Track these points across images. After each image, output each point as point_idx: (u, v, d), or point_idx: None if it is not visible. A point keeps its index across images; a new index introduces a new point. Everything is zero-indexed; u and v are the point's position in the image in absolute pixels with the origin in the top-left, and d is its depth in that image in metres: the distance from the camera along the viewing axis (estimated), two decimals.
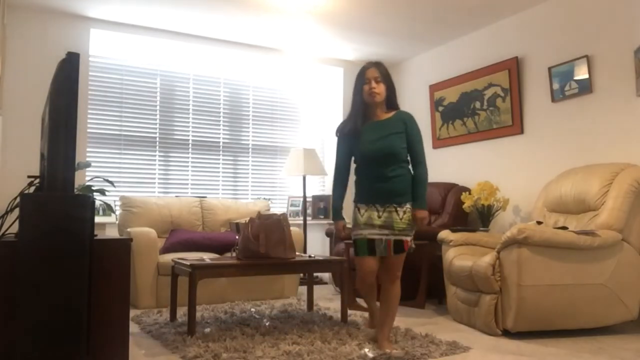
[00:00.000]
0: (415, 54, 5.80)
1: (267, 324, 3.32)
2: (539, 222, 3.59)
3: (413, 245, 2.79)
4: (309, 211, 5.82)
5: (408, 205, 2.74)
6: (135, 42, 5.10)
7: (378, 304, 2.98)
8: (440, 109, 5.41)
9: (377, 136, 2.75)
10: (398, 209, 2.73)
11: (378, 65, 2.80)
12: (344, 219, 2.93)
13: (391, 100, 2.85)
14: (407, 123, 2.80)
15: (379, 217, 2.74)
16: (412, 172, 2.82)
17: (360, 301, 4.21)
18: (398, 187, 2.74)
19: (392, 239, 2.72)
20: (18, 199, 1.76)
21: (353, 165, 2.92)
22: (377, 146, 2.74)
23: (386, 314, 2.83)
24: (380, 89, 2.77)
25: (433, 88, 5.49)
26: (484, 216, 4.38)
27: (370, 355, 2.63)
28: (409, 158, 2.82)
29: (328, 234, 5.26)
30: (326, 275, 5.65)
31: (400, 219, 2.72)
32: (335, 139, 2.98)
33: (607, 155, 3.87)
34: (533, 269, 3.06)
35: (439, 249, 3.89)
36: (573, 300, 3.10)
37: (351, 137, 2.82)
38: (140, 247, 3.98)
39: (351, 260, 3.05)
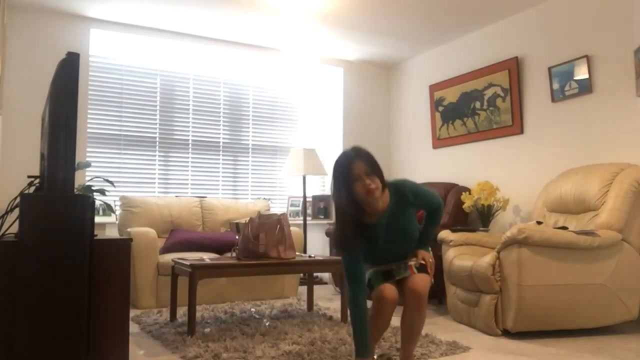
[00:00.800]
0: (415, 54, 5.80)
1: (267, 324, 3.33)
2: (539, 222, 3.59)
3: (432, 280, 2.46)
4: (309, 211, 5.82)
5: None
6: (135, 42, 5.10)
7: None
8: (440, 109, 5.41)
9: (391, 238, 2.37)
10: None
11: (359, 154, 2.27)
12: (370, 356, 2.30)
13: (384, 185, 2.32)
14: (410, 196, 2.37)
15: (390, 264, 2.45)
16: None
17: None
18: (407, 253, 2.46)
19: (412, 264, 2.39)
20: (18, 199, 1.76)
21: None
22: (395, 247, 2.41)
23: (408, 339, 2.40)
24: (376, 182, 2.24)
25: (433, 88, 5.49)
26: (484, 216, 4.38)
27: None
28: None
29: (328, 234, 5.26)
30: (326, 275, 5.65)
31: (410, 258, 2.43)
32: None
33: (607, 155, 3.87)
34: (533, 269, 3.06)
35: (439, 249, 3.89)
36: (573, 300, 3.10)
37: (358, 244, 2.30)
38: (140, 247, 3.98)
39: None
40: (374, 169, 2.26)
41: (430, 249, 2.51)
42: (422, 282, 2.33)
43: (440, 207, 2.47)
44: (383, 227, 2.34)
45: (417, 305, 2.31)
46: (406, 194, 2.36)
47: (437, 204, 2.45)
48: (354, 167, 2.23)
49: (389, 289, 2.31)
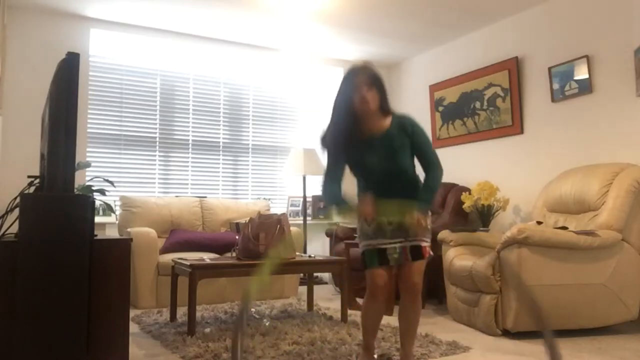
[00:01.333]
0: (415, 54, 5.80)
1: (267, 324, 3.32)
2: (539, 222, 3.59)
3: (432, 253, 2.46)
4: (309, 211, 5.82)
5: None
6: (135, 42, 5.10)
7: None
8: (440, 109, 5.41)
9: (381, 157, 2.37)
10: (417, 215, 2.31)
11: (366, 68, 2.39)
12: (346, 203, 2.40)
13: (384, 105, 2.41)
14: (410, 128, 2.40)
15: (390, 223, 2.36)
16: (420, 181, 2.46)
17: (361, 301, 4.21)
18: (408, 195, 2.37)
19: (408, 245, 2.36)
20: (18, 199, 1.76)
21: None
22: (382, 167, 2.37)
23: (406, 334, 2.45)
24: (372, 95, 2.33)
25: (433, 88, 5.49)
26: (484, 216, 4.38)
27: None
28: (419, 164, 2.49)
29: (328, 234, 5.26)
30: (326, 275, 5.65)
31: (413, 223, 2.33)
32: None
33: (607, 155, 3.87)
34: (533, 269, 3.06)
35: (439, 249, 3.89)
36: (573, 300, 3.10)
37: (347, 148, 2.39)
38: (140, 247, 3.98)
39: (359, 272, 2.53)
40: (377, 85, 2.37)
41: (429, 212, 2.45)
42: (415, 274, 2.40)
43: (437, 166, 2.41)
44: (374, 147, 2.37)
45: (411, 297, 2.42)
46: (406, 125, 2.41)
47: (434, 159, 2.41)
48: (356, 77, 2.34)
49: (381, 277, 2.37)
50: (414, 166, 2.45)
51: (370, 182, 2.42)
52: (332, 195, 2.39)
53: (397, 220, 2.35)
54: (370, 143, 2.38)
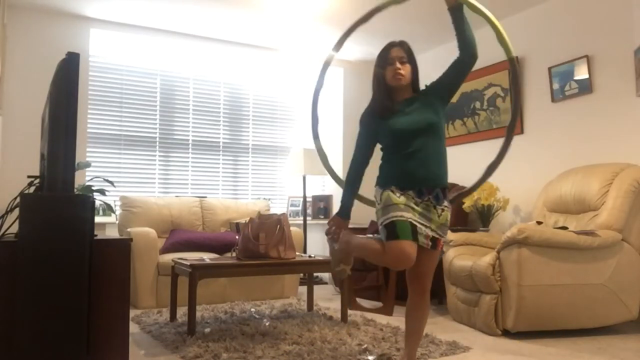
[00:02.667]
0: (415, 54, 5.78)
1: (267, 324, 3.32)
2: (539, 222, 3.59)
3: (444, 250, 2.46)
4: (309, 211, 5.82)
5: (446, 203, 2.34)
6: (135, 42, 5.10)
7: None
8: None
9: (411, 109, 2.37)
10: (437, 206, 2.29)
11: (402, 44, 2.46)
12: (350, 219, 2.50)
13: (415, 82, 2.49)
14: (430, 89, 2.50)
15: (417, 204, 2.26)
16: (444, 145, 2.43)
17: (361, 301, 4.21)
18: (435, 171, 2.32)
19: (430, 234, 2.27)
20: (18, 199, 1.76)
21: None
22: (413, 119, 2.33)
23: (412, 332, 2.42)
24: (406, 70, 2.40)
25: None
26: (484, 216, 4.37)
27: (371, 358, 2.62)
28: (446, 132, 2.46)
29: (328, 233, 5.26)
30: (326, 275, 5.65)
31: (438, 217, 2.29)
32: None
33: (607, 155, 3.87)
34: (533, 269, 3.06)
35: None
36: (573, 300, 3.10)
37: (379, 119, 2.38)
38: (140, 247, 3.98)
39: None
40: (411, 60, 2.45)
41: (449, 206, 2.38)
42: (432, 262, 2.36)
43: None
44: (405, 103, 2.40)
45: (422, 289, 2.41)
46: (427, 87, 2.50)
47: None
48: (393, 51, 2.42)
49: (414, 251, 2.20)
50: (444, 130, 2.44)
51: (399, 139, 2.33)
52: (347, 196, 2.47)
53: (424, 207, 2.27)
54: (403, 103, 2.40)
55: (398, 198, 2.25)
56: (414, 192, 2.27)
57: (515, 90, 2.84)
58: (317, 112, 2.95)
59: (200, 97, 5.53)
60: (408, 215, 2.21)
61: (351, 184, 2.45)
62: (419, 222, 2.23)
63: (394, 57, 2.40)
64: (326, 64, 2.74)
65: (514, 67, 2.66)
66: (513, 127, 2.60)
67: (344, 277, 2.58)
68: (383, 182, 2.34)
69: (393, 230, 2.19)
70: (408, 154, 2.30)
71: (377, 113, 2.40)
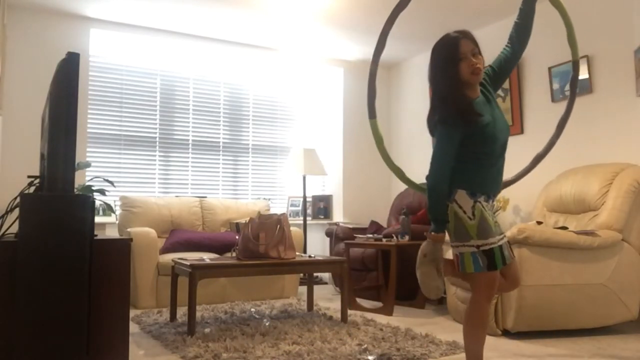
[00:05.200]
0: (415, 54, 5.80)
1: (267, 324, 3.32)
2: (539, 222, 3.59)
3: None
4: (309, 211, 5.82)
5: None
6: (135, 42, 5.10)
7: None
8: None
9: (496, 114, 2.18)
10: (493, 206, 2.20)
11: (466, 34, 2.17)
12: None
13: None
14: (487, 78, 2.28)
15: (492, 215, 2.16)
16: None
17: (361, 301, 4.21)
18: (502, 176, 2.23)
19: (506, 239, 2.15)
20: (18, 199, 1.76)
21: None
22: (504, 125, 2.18)
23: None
24: (482, 62, 2.15)
25: None
26: None
27: (371, 358, 2.63)
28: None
29: (328, 234, 5.26)
30: (326, 275, 5.65)
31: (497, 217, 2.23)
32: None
33: (607, 155, 3.87)
34: (533, 269, 3.06)
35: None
36: (573, 300, 3.10)
37: (464, 123, 2.09)
38: (140, 247, 3.98)
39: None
40: (480, 49, 2.16)
41: None
42: (519, 270, 2.25)
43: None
44: (487, 108, 2.15)
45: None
46: (485, 81, 2.27)
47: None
48: (462, 45, 2.12)
49: (497, 281, 2.12)
50: None
51: (493, 162, 2.14)
52: (441, 203, 2.11)
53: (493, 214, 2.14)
54: (484, 108, 2.14)
55: (489, 217, 2.10)
56: (493, 198, 2.18)
57: (573, 91, 2.69)
58: (374, 85, 2.57)
59: (200, 97, 5.53)
60: (498, 239, 2.09)
61: (444, 193, 2.11)
62: (502, 239, 2.11)
63: (466, 51, 2.11)
64: (384, 32, 2.33)
65: (576, 69, 2.60)
66: (564, 123, 2.66)
67: (440, 294, 2.31)
68: (471, 189, 2.10)
69: (492, 261, 2.05)
70: (494, 162, 2.16)
71: (464, 116, 2.08)
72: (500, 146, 2.16)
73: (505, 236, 2.14)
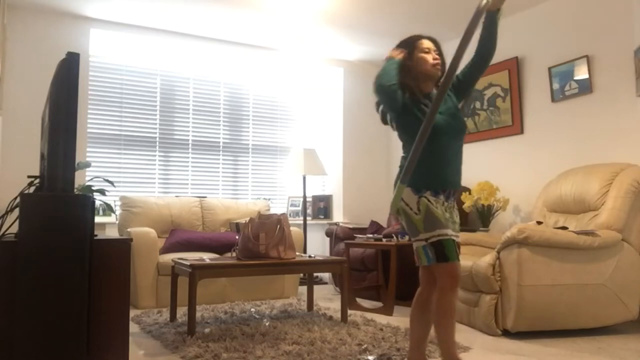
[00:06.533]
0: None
1: (267, 324, 3.33)
2: (539, 222, 3.59)
3: None
4: (309, 211, 5.82)
5: (452, 198, 2.29)
6: (135, 42, 5.10)
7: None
8: None
9: (445, 116, 2.23)
10: (455, 206, 2.28)
11: (435, 40, 2.31)
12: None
13: (438, 80, 2.31)
14: (453, 83, 2.32)
15: (446, 210, 2.21)
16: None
17: (361, 301, 4.21)
18: (458, 174, 2.32)
19: (459, 241, 2.21)
20: (18, 199, 1.76)
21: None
22: (450, 128, 2.24)
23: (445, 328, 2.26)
24: (442, 64, 2.26)
25: None
26: (484, 216, 4.38)
27: (371, 358, 2.63)
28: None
29: (328, 234, 5.26)
30: (326, 275, 5.65)
31: (455, 216, 2.27)
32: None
33: (607, 155, 3.87)
34: (533, 269, 3.06)
35: None
36: (573, 300, 3.10)
37: (417, 109, 2.20)
38: (140, 247, 3.98)
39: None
40: (443, 56, 2.28)
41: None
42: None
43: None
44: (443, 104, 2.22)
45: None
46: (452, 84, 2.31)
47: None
48: (426, 42, 2.27)
49: (460, 269, 2.18)
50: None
51: (434, 157, 2.21)
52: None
53: (449, 210, 2.21)
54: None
55: (437, 210, 2.15)
56: (444, 196, 2.23)
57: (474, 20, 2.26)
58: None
59: (200, 97, 5.53)
60: (450, 232, 2.14)
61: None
62: (454, 234, 2.17)
63: (429, 47, 2.25)
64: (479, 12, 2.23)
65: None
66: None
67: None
68: (416, 185, 2.17)
69: (442, 253, 2.10)
70: (440, 159, 2.24)
71: (412, 98, 2.20)
72: (446, 144, 2.24)
73: (456, 234, 2.19)
